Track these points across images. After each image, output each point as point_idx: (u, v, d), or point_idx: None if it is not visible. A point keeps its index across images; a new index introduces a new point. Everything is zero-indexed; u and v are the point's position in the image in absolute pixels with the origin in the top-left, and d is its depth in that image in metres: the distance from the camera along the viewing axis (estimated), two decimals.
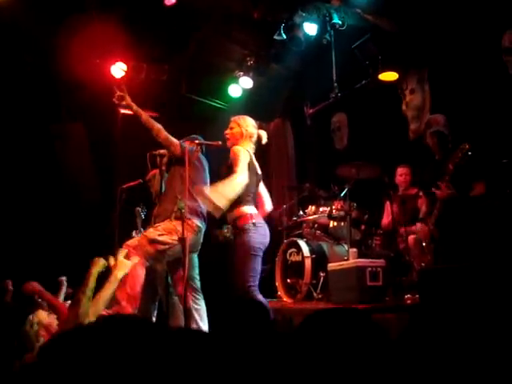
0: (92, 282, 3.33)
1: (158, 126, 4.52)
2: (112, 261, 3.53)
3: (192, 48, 7.35)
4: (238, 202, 4.09)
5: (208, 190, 3.98)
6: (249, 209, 4.14)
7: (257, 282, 4.02)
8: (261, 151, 4.62)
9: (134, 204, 5.32)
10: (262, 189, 4.55)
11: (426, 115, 6.28)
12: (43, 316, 3.47)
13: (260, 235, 4.06)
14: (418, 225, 5.11)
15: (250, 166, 4.24)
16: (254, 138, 4.44)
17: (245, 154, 4.21)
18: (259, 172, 4.43)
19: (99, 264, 3.46)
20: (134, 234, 5.20)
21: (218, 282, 5.60)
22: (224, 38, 7.26)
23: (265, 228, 4.15)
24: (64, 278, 4.79)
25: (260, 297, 4.00)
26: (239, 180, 3.98)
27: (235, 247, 4.11)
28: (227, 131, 4.44)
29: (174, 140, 4.59)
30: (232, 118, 4.51)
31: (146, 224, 5.17)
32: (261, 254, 4.08)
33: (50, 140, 7.20)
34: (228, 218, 4.28)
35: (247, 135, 4.39)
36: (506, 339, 2.46)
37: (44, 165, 7.02)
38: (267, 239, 4.16)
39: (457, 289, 2.77)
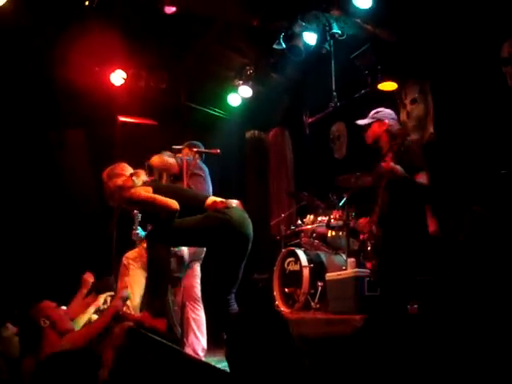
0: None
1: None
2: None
3: (191, 56, 7.38)
4: None
5: None
6: None
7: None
8: (261, 160, 4.57)
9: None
10: None
11: (429, 125, 6.27)
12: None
13: None
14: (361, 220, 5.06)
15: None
16: (123, 179, 4.12)
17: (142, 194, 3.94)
18: None
19: None
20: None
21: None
22: (223, 47, 7.28)
23: None
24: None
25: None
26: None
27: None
28: None
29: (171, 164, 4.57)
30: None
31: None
32: None
33: (49, 147, 7.20)
34: None
35: (117, 188, 4.10)
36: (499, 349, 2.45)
37: (43, 172, 7.01)
38: None
39: (456, 298, 2.76)
